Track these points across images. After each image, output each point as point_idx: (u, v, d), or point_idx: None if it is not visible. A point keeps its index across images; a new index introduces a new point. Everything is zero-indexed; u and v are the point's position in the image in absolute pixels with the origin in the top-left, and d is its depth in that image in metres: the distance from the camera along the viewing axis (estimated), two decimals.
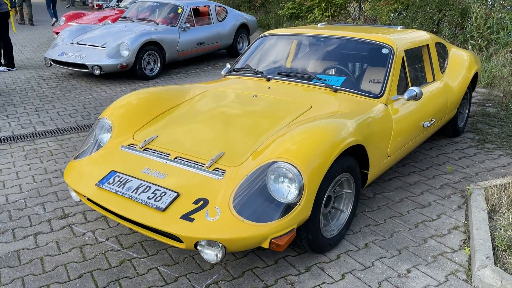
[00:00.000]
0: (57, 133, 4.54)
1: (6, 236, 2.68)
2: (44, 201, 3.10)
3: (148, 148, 2.60)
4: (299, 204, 2.08)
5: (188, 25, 7.35)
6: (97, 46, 6.57)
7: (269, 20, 12.33)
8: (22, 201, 3.11)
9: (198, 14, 8.23)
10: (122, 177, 2.40)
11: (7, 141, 4.30)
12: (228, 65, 3.92)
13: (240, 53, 8.74)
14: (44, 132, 4.55)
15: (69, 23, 9.45)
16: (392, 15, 8.65)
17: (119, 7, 10.38)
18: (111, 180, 2.40)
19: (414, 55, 3.45)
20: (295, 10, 11.20)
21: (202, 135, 2.62)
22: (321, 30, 3.59)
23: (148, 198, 2.22)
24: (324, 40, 3.49)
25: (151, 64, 6.89)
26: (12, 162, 3.79)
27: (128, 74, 6.81)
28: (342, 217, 2.57)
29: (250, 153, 2.38)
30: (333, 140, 2.28)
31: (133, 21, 7.53)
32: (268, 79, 3.28)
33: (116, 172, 2.46)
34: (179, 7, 7.54)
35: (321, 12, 10.38)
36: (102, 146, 2.77)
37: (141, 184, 2.32)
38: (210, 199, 2.14)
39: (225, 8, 8.51)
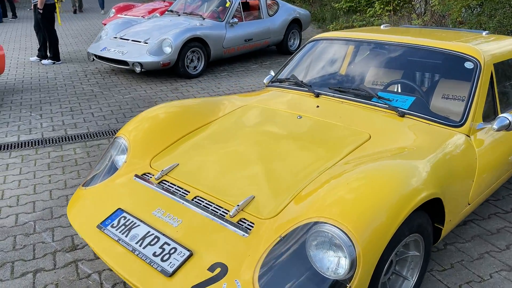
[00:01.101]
0: (88, 138, 4.22)
1: (4, 272, 2.33)
2: (55, 225, 2.74)
3: (164, 181, 2.13)
4: (350, 287, 1.52)
5: (236, 20, 6.86)
6: (140, 42, 6.25)
7: (324, 14, 11.60)
8: (31, 223, 2.77)
9: (248, 8, 7.71)
10: (129, 220, 1.95)
11: (35, 145, 4.03)
12: (272, 73, 3.38)
13: (291, 50, 8.14)
14: (74, 136, 4.25)
15: (118, 15, 9.30)
16: (464, 11, 7.68)
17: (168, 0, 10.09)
18: (115, 223, 1.96)
19: (506, 71, 2.73)
20: (353, 4, 10.40)
21: (230, 167, 2.11)
22: (384, 34, 2.94)
23: (154, 254, 1.75)
24: (388, 48, 2.86)
25: (194, 62, 6.48)
26: (33, 172, 3.49)
27: (170, 71, 6.45)
28: (405, 286, 1.97)
29: (287, 200, 1.84)
30: (402, 193, 1.68)
31: (179, 15, 7.15)
32: (317, 95, 2.71)
33: (123, 211, 2.01)
34: (227, 0, 7.06)
35: (382, 6, 9.52)
36: (117, 168, 2.34)
37: (149, 232, 1.86)
38: (229, 266, 1.64)
39: (276, 1, 7.93)
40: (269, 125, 2.43)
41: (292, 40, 8.23)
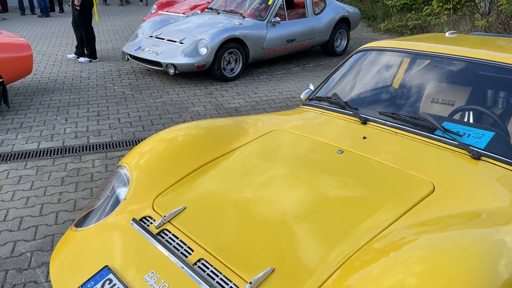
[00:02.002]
0: (109, 147, 3.91)
1: None
2: None
3: (166, 230, 1.70)
4: None
5: (278, 19, 6.37)
6: (175, 42, 5.91)
7: (375, 11, 10.84)
8: (28, 255, 2.45)
9: (292, 5, 7.20)
10: (114, 285, 1.54)
11: (53, 154, 3.76)
12: (311, 87, 2.88)
13: (337, 52, 7.54)
14: (96, 145, 3.95)
15: (159, 12, 9.06)
16: None
17: None
18: (98, 286, 1.56)
19: None
20: (408, 1, 9.59)
21: (247, 222, 1.65)
22: (452, 46, 2.36)
23: None
24: (456, 64, 2.28)
25: (231, 64, 6.07)
26: (44, 188, 3.20)
27: (206, 73, 6.08)
28: None
29: (322, 277, 1.36)
30: (485, 285, 1.16)
31: (218, 13, 6.76)
32: (364, 121, 2.18)
33: (110, 271, 1.60)
34: None
35: (441, 4, 8.68)
36: (119, 202, 1.95)
37: None
38: None
39: None
40: (300, 161, 1.94)
41: (339, 41, 7.63)
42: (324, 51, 7.57)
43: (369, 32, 10.03)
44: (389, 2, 9.93)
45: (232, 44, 5.86)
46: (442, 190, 1.64)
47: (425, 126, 2.01)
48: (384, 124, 2.12)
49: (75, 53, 7.16)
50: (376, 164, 1.83)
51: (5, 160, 3.65)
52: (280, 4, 6.54)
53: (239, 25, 6.08)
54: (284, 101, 5.23)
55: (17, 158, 3.67)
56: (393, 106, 2.40)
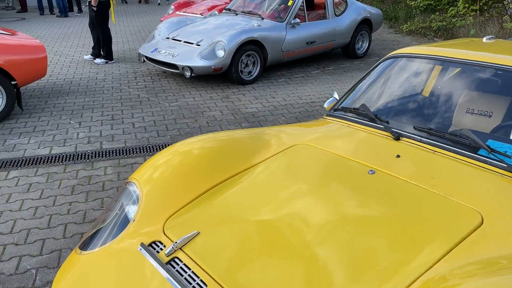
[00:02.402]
0: (122, 154, 3.78)
1: None
2: None
3: (177, 258, 1.54)
4: None
5: (298, 20, 6.17)
6: (192, 44, 5.76)
7: (397, 12, 10.54)
8: (33, 272, 2.32)
9: (312, 6, 6.99)
10: None
11: (65, 160, 3.64)
12: (336, 95, 2.68)
13: (358, 54, 7.30)
14: (108, 151, 3.82)
15: (177, 12, 8.95)
16: None
17: None
18: None
19: None
20: (431, 1, 9.28)
21: (270, 251, 1.47)
22: (490, 53, 2.14)
23: None
24: (495, 72, 2.06)
25: (249, 66, 5.89)
26: (54, 197, 3.08)
27: (223, 76, 5.92)
28: None
29: None
30: None
31: (236, 14, 6.59)
32: (397, 137, 1.98)
33: None
34: None
35: (467, 5, 8.36)
36: (128, 222, 1.80)
37: None
38: None
39: None
40: (327, 182, 1.75)
41: (360, 43, 7.39)
42: (345, 53, 7.34)
43: (391, 33, 9.75)
44: (412, 3, 9.63)
45: (250, 46, 5.68)
46: (492, 223, 1.43)
47: (467, 144, 1.80)
48: (420, 141, 1.92)
49: (91, 54, 7.08)
50: (413, 189, 1.63)
51: (16, 166, 3.54)
52: (300, 5, 6.33)
53: (257, 26, 5.91)
54: (303, 106, 5.04)
55: (28, 164, 3.57)
56: (427, 119, 2.18)
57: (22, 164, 3.57)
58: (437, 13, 9.08)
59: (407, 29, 9.58)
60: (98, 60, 6.89)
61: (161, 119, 4.63)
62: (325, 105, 2.63)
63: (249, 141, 2.15)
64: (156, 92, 5.49)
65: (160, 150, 3.85)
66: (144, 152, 3.84)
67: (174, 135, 4.22)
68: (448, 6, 8.88)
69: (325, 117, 2.44)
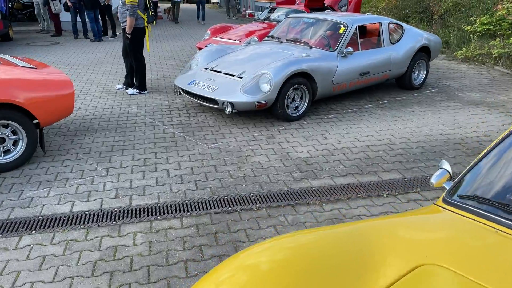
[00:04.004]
0: (155, 213, 3.16)
1: None
2: None
3: None
4: None
5: (351, 49, 5.50)
6: (233, 76, 5.17)
7: (448, 36, 9.72)
8: None
9: (365, 33, 6.32)
10: None
11: (88, 222, 3.05)
12: (447, 166, 1.96)
13: (414, 85, 6.55)
14: (139, 210, 3.21)
15: (213, 38, 8.48)
16: None
17: (269, 20, 9.07)
18: None
19: None
20: (491, 27, 8.45)
21: None
22: None
23: None
24: None
25: (296, 101, 5.24)
26: (70, 279, 2.46)
27: (266, 111, 5.30)
28: None
29: None
30: None
31: (281, 42, 5.99)
32: None
33: None
34: (341, 25, 5.74)
35: None
36: None
37: None
38: None
39: (401, 25, 6.42)
40: None
41: (417, 73, 6.63)
42: (400, 84, 6.60)
43: (443, 60, 8.94)
44: (468, 28, 8.81)
45: (298, 79, 5.04)
46: None
47: None
48: None
49: (123, 84, 6.62)
50: None
51: (31, 228, 2.97)
52: (353, 33, 5.67)
53: (306, 56, 5.27)
54: (363, 150, 4.32)
55: (44, 227, 2.98)
56: None
57: (38, 227, 2.99)
58: (498, 39, 8.23)
59: (462, 56, 8.76)
60: (130, 90, 6.41)
61: (199, 165, 4.00)
62: (433, 180, 1.92)
63: (343, 254, 1.46)
64: (193, 130, 4.89)
65: (198, 208, 3.22)
66: (180, 211, 3.20)
67: (215, 187, 3.58)
68: (511, 31, 8.03)
69: (440, 204, 1.73)
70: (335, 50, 5.52)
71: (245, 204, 3.32)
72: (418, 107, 5.74)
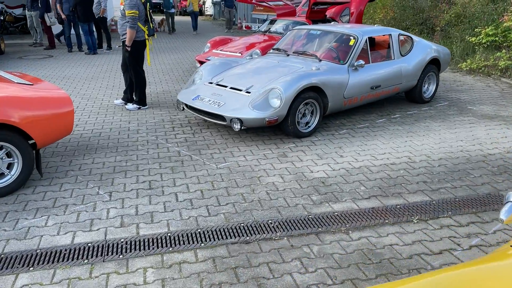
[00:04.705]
0: (166, 245, 2.85)
1: None
2: None
3: None
4: None
5: (362, 62, 5.28)
6: (241, 91, 4.92)
7: (451, 48, 9.58)
8: None
9: (374, 45, 6.12)
10: None
11: (91, 256, 2.74)
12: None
13: (425, 99, 6.34)
14: (148, 241, 2.90)
15: (213, 50, 8.25)
16: None
17: (269, 32, 8.87)
18: None
19: None
20: (496, 38, 8.31)
21: None
22: None
23: None
24: None
25: (306, 117, 4.99)
26: None
27: (274, 126, 5.03)
28: None
29: None
30: None
31: (288, 55, 5.76)
32: None
33: None
34: (351, 37, 5.53)
35: None
36: None
37: None
38: None
39: (410, 37, 6.23)
40: None
41: (426, 85, 6.43)
42: (409, 97, 6.39)
43: (448, 72, 8.78)
44: (473, 39, 8.67)
45: (309, 94, 4.80)
46: None
47: None
48: None
49: (122, 99, 6.34)
50: None
51: (28, 264, 2.65)
52: (364, 45, 5.46)
53: (316, 70, 5.04)
54: (383, 170, 4.06)
55: (43, 263, 2.67)
56: None
57: (36, 262, 2.67)
58: (504, 51, 8.08)
59: (467, 67, 8.61)
60: (130, 106, 6.12)
61: (210, 187, 3.71)
62: (503, 217, 1.65)
63: None
64: (199, 148, 4.61)
65: (213, 238, 2.93)
66: (193, 241, 2.90)
67: (228, 213, 3.29)
68: None
69: None
70: (346, 63, 5.30)
71: (264, 233, 3.03)
72: (432, 122, 5.51)
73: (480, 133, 5.06)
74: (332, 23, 8.19)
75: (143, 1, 5.74)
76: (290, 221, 3.17)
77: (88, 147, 4.63)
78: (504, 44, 8.25)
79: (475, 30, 8.81)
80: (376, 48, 6.10)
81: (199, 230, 3.05)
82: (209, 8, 28.15)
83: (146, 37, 5.89)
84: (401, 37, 6.04)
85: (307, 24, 8.11)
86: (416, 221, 3.17)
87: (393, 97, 6.46)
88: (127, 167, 4.13)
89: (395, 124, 5.44)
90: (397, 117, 5.73)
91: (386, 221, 3.17)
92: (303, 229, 3.07)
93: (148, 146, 4.67)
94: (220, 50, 8.11)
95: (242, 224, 3.13)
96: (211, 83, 5.30)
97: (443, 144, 4.71)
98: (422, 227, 3.09)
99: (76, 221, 3.17)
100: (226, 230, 3.06)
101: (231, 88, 5.03)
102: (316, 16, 8.74)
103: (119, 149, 4.58)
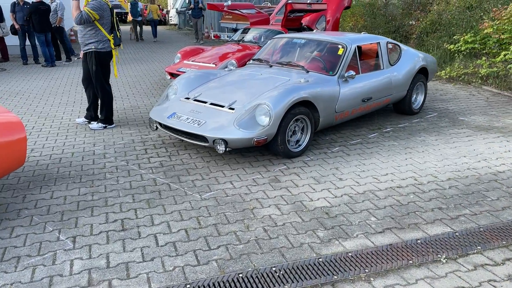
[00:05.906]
0: None
1: None
2: None
3: None
4: None
5: (352, 72, 4.85)
6: (223, 107, 4.36)
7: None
8: None
9: (361, 55, 5.73)
10: None
11: None
12: None
13: (414, 109, 5.99)
14: None
15: (184, 61, 7.65)
16: None
17: (243, 41, 8.37)
18: None
19: None
20: (476, 45, 8.16)
21: None
22: None
23: None
24: None
25: (297, 134, 4.49)
26: None
27: (262, 146, 4.51)
28: None
29: None
30: None
31: (270, 66, 5.26)
32: None
33: None
34: (339, 46, 5.10)
35: None
36: None
37: None
38: None
39: (398, 45, 5.89)
40: None
41: (415, 96, 6.09)
42: (397, 109, 6.03)
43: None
44: (451, 47, 8.50)
45: (299, 109, 4.30)
46: None
47: None
48: None
49: (85, 117, 5.64)
50: None
51: None
52: (353, 54, 5.05)
53: (305, 82, 4.56)
54: (391, 195, 3.60)
55: None
56: None
57: None
58: (484, 58, 7.93)
59: (447, 75, 8.41)
60: (94, 125, 5.43)
61: (195, 225, 3.13)
62: None
63: None
64: (178, 175, 4.01)
65: None
66: None
67: (222, 259, 2.72)
68: (498, 50, 7.75)
69: None
70: (335, 74, 4.85)
71: (269, 285, 2.47)
72: (427, 135, 5.14)
73: (481, 148, 4.71)
74: (314, 31, 7.79)
75: (110, 6, 5.10)
76: (298, 268, 2.63)
77: (46, 177, 3.93)
78: (484, 52, 8.10)
79: (454, 37, 8.65)
80: (364, 57, 5.71)
81: (188, 286, 2.46)
82: (173, 18, 27.46)
83: (112, 46, 5.24)
84: (390, 45, 5.68)
85: (283, 33, 7.67)
86: (444, 261, 2.70)
87: (381, 108, 6.09)
88: (93, 201, 3.47)
89: (389, 139, 5.03)
90: (389, 131, 5.33)
91: (410, 261, 2.69)
92: (315, 278, 2.54)
93: (118, 174, 4.03)
94: (192, 61, 7.54)
95: (240, 275, 2.57)
96: (187, 98, 4.72)
97: (446, 162, 4.32)
98: (453, 269, 2.62)
99: (30, 280, 2.50)
100: (221, 284, 2.48)
101: (211, 104, 4.46)
102: (292, 24, 8.32)
103: (83, 179, 3.90)
